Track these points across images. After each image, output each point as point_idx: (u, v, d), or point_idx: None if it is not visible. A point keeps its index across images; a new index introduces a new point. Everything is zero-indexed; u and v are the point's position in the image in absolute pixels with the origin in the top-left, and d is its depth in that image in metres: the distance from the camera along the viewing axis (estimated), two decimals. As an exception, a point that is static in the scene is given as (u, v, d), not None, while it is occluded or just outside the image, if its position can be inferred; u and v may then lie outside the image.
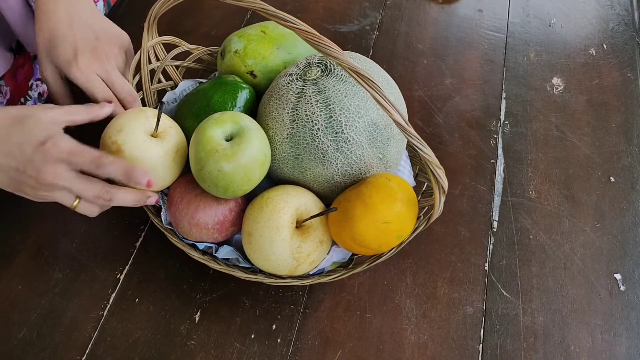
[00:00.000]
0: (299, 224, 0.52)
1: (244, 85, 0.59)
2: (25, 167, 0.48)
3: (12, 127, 0.48)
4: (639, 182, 0.72)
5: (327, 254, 0.55)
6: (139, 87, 0.65)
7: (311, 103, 0.52)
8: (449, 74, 0.82)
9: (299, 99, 0.53)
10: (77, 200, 0.51)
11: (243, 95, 0.58)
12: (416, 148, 0.44)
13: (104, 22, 0.60)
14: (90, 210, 0.52)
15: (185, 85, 0.67)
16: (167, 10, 0.67)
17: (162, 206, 0.59)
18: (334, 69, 0.54)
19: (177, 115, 0.59)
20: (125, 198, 0.52)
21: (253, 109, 0.59)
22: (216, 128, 0.51)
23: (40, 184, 0.49)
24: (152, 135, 0.53)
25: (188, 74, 0.72)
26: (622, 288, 0.63)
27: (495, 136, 0.75)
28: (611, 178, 0.72)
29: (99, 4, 0.83)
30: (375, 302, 0.61)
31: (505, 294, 0.62)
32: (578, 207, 0.69)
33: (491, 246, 0.66)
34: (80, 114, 0.52)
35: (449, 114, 0.77)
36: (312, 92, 0.53)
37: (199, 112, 0.57)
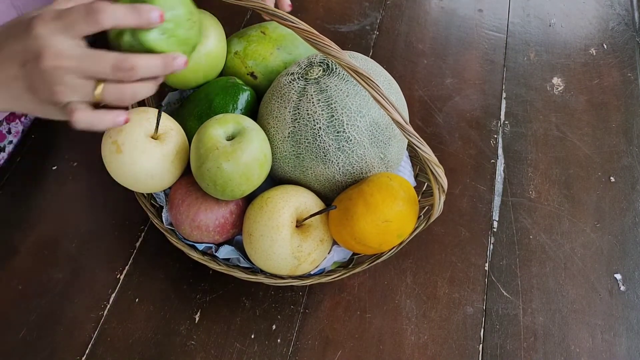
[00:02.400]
0: (300, 223, 0.52)
1: (245, 87, 0.59)
2: (27, 60, 0.40)
3: (3, 32, 0.42)
4: (639, 182, 0.72)
5: (328, 253, 0.55)
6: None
7: (313, 102, 0.52)
8: (449, 74, 0.82)
9: (300, 98, 0.53)
10: (100, 85, 0.41)
11: (244, 98, 0.58)
12: (415, 147, 0.44)
13: None
14: (118, 93, 0.41)
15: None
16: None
17: (164, 206, 0.59)
18: (336, 68, 0.54)
19: (179, 116, 0.59)
20: (150, 62, 0.41)
21: (254, 111, 0.59)
22: (218, 127, 0.51)
23: (46, 73, 0.40)
24: (152, 137, 0.53)
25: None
26: (622, 288, 0.63)
27: (496, 136, 0.75)
28: (611, 178, 0.72)
29: None
30: (375, 302, 0.61)
31: (505, 294, 0.62)
32: (578, 207, 0.69)
33: (491, 246, 0.65)
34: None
35: (449, 114, 0.77)
36: (314, 91, 0.53)
37: (200, 114, 0.57)
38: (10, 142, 0.70)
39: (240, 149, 0.50)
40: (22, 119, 0.71)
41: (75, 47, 0.40)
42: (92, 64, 0.40)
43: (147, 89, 0.43)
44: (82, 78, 0.41)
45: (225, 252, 0.56)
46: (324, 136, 0.52)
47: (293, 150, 0.53)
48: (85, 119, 0.42)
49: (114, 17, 0.39)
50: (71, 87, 0.40)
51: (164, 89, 0.68)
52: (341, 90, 0.52)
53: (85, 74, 0.40)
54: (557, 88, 0.82)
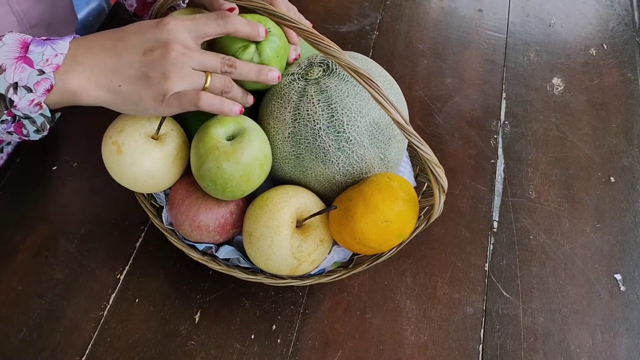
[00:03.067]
0: (300, 224, 0.52)
1: (245, 89, 0.59)
2: (153, 48, 0.46)
3: (123, 28, 0.49)
4: (639, 182, 0.72)
5: (328, 253, 0.55)
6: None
7: (313, 102, 0.52)
8: (449, 74, 0.82)
9: (300, 98, 0.53)
10: (209, 76, 0.48)
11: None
12: (415, 147, 0.44)
13: None
14: (222, 84, 0.49)
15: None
16: (167, 10, 0.67)
17: (164, 206, 0.59)
18: (336, 69, 0.54)
19: (179, 116, 0.59)
20: (248, 66, 0.50)
21: (254, 111, 0.59)
22: (218, 127, 0.51)
23: (172, 61, 0.46)
24: (152, 137, 0.53)
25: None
26: (622, 288, 0.63)
27: (496, 136, 0.75)
28: (611, 178, 0.72)
29: (94, 3, 0.83)
30: (375, 303, 0.61)
31: (505, 294, 0.62)
32: (578, 207, 0.69)
33: (491, 246, 0.66)
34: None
35: (449, 114, 0.77)
36: (314, 92, 0.53)
37: (201, 115, 0.57)
38: (9, 143, 0.70)
39: (241, 149, 0.50)
40: None
41: (196, 46, 0.48)
42: (208, 57, 0.48)
43: (239, 91, 0.51)
44: (196, 69, 0.47)
45: (225, 252, 0.56)
46: (324, 136, 0.52)
47: (293, 151, 0.53)
48: (210, 100, 0.48)
49: (236, 24, 0.49)
50: (186, 75, 0.47)
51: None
52: (341, 90, 0.52)
53: (201, 65, 0.48)
54: (557, 88, 0.82)
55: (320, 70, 0.54)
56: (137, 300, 0.59)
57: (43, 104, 0.46)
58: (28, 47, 0.46)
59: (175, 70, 0.46)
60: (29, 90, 0.45)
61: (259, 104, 0.59)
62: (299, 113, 0.53)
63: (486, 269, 0.64)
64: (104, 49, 0.47)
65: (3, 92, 0.45)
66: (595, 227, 0.68)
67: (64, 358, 0.56)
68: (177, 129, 0.55)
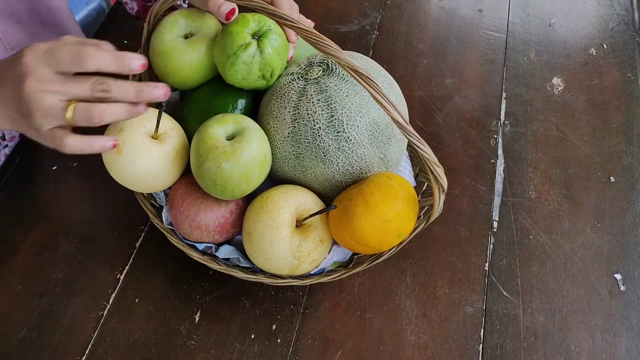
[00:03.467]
0: (299, 223, 0.52)
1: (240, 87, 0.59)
2: (14, 82, 0.44)
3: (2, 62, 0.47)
4: (639, 182, 0.72)
5: (328, 253, 0.55)
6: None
7: (312, 102, 0.52)
8: (449, 74, 0.82)
9: (300, 98, 0.53)
10: (73, 105, 0.44)
11: (244, 98, 0.58)
12: (415, 146, 0.44)
13: None
14: (89, 113, 0.44)
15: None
16: (167, 10, 0.67)
17: (164, 206, 0.59)
18: (336, 68, 0.54)
19: (179, 116, 0.59)
20: (124, 87, 0.45)
21: (254, 111, 0.59)
22: (218, 127, 0.51)
23: (28, 96, 0.43)
24: (152, 137, 0.53)
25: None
26: (622, 288, 0.63)
27: (495, 136, 0.75)
28: (611, 178, 0.72)
29: (94, 3, 0.83)
30: (375, 302, 0.61)
31: (505, 294, 0.62)
32: (578, 207, 0.69)
33: (491, 246, 0.65)
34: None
35: (449, 114, 0.77)
36: (314, 91, 0.53)
37: (200, 114, 0.57)
38: (6, 145, 0.70)
39: (240, 149, 0.50)
40: None
41: (57, 75, 0.44)
42: (73, 85, 0.44)
43: (119, 110, 0.46)
44: (62, 101, 0.44)
45: (225, 252, 0.56)
46: (324, 136, 0.52)
47: (293, 150, 0.53)
48: (74, 143, 0.46)
49: (99, 63, 0.44)
50: (48, 110, 0.44)
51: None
52: (341, 90, 0.52)
53: (66, 95, 0.44)
54: (557, 88, 0.82)
55: (320, 70, 0.54)
56: (137, 300, 0.59)
57: None
58: None
59: (36, 107, 0.44)
60: None
61: (259, 103, 0.59)
62: (298, 113, 0.53)
63: (486, 268, 0.64)
64: None
65: None
66: (595, 227, 0.68)
67: (64, 358, 0.56)
68: (177, 128, 0.55)
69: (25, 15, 0.64)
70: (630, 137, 0.76)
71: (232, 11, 0.52)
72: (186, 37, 0.58)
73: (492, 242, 0.66)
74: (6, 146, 0.70)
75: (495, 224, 0.67)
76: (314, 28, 0.45)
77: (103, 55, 0.44)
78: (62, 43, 0.45)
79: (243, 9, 0.50)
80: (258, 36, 0.55)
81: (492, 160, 0.73)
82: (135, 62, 0.45)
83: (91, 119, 0.45)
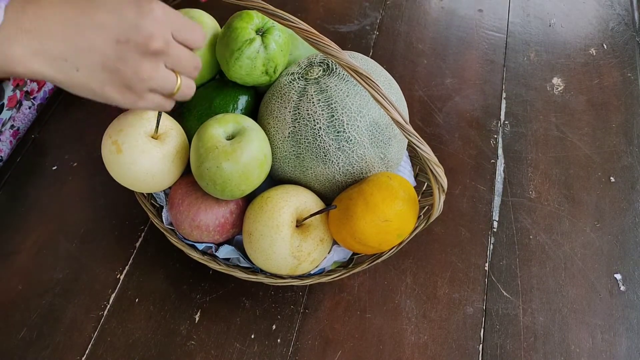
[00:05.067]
0: (299, 223, 0.52)
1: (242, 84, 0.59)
2: (130, 37, 0.39)
3: None
4: (639, 182, 0.72)
5: (328, 253, 0.55)
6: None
7: (313, 102, 0.52)
8: (449, 74, 0.82)
9: (300, 98, 0.53)
10: (179, 80, 0.43)
11: (244, 97, 0.58)
12: (415, 147, 0.44)
13: None
14: (189, 87, 0.45)
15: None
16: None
17: (164, 206, 0.59)
18: (336, 68, 0.54)
19: (179, 116, 0.59)
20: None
21: (254, 111, 0.59)
22: (218, 127, 0.51)
23: (150, 56, 0.40)
24: (152, 137, 0.53)
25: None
26: (622, 288, 0.63)
27: (495, 136, 0.75)
28: (611, 178, 0.72)
29: None
30: (375, 302, 0.61)
31: (505, 294, 0.62)
32: (578, 207, 0.69)
33: (491, 246, 0.65)
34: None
35: (449, 114, 0.77)
36: (314, 91, 0.53)
37: (200, 114, 0.57)
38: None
39: (240, 149, 0.50)
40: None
41: (174, 41, 0.42)
42: (185, 57, 0.43)
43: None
44: (169, 69, 0.42)
45: (225, 251, 0.56)
46: (324, 136, 0.52)
47: (293, 150, 0.53)
48: (163, 102, 0.44)
49: (197, 43, 0.44)
50: (160, 75, 0.42)
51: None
52: (341, 90, 0.52)
53: (176, 65, 0.43)
54: (557, 88, 0.82)
55: (320, 70, 0.54)
56: (137, 300, 0.59)
57: None
58: None
59: (150, 67, 0.41)
60: None
61: (259, 103, 0.59)
62: (299, 113, 0.53)
63: (486, 268, 0.64)
64: (61, 18, 0.38)
65: None
66: (595, 227, 0.68)
67: (64, 358, 0.56)
68: (177, 128, 0.55)
69: None
70: (630, 137, 0.76)
71: None
72: None
73: (492, 242, 0.66)
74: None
75: (495, 224, 0.67)
76: (313, 28, 0.45)
77: (201, 33, 0.44)
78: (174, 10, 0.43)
79: (245, 9, 0.50)
80: (262, 32, 0.55)
81: (492, 160, 0.73)
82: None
83: (186, 96, 0.45)
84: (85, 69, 0.40)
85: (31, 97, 0.72)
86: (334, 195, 0.55)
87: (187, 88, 0.45)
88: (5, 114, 0.67)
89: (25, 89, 0.70)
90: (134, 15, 0.39)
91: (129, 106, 0.43)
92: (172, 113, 0.61)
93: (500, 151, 0.74)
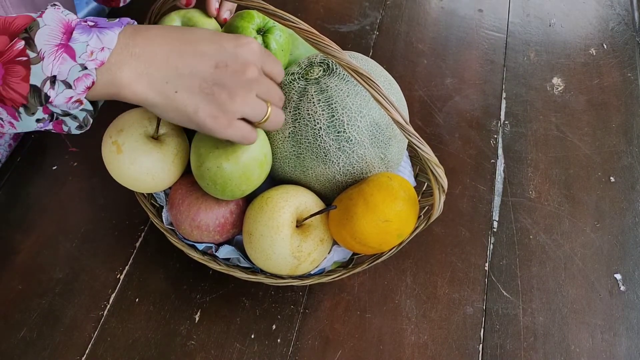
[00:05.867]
0: (300, 223, 0.52)
1: None
2: (228, 63, 0.43)
3: (188, 30, 0.45)
4: (639, 182, 0.72)
5: (328, 253, 0.55)
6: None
7: (313, 102, 0.52)
8: (449, 74, 0.82)
9: (301, 98, 0.53)
10: (269, 109, 0.46)
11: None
12: (415, 147, 0.44)
13: None
14: (280, 116, 0.48)
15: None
16: (167, 10, 0.67)
17: (164, 206, 0.59)
18: (336, 69, 0.54)
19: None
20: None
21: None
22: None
23: (246, 82, 0.43)
24: (152, 137, 0.53)
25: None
26: (622, 288, 0.63)
27: (496, 136, 0.75)
28: (611, 178, 0.72)
29: (94, 3, 0.83)
30: (375, 302, 0.61)
31: (505, 294, 0.62)
32: (578, 207, 0.69)
33: (491, 246, 0.65)
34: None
35: (449, 114, 0.77)
36: (314, 91, 0.53)
37: None
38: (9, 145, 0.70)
39: (240, 149, 0.50)
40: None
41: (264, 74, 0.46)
42: (274, 89, 0.47)
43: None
44: (260, 98, 0.45)
45: (225, 252, 0.56)
46: (325, 136, 0.52)
47: (293, 151, 0.53)
48: (250, 134, 0.46)
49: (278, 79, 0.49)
50: (252, 102, 0.44)
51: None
52: (341, 90, 0.52)
53: (266, 94, 0.46)
54: (557, 88, 0.82)
55: (320, 70, 0.54)
56: (137, 300, 0.59)
57: (84, 99, 0.41)
58: (72, 34, 0.40)
59: (244, 94, 0.43)
60: (68, 86, 0.40)
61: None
62: (299, 113, 0.53)
63: (486, 268, 0.64)
64: (166, 46, 0.42)
65: (39, 85, 0.39)
66: (595, 227, 0.68)
67: (64, 358, 0.56)
68: (177, 128, 0.55)
69: (41, 0, 0.64)
70: (630, 137, 0.76)
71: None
72: None
73: (492, 242, 0.66)
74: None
75: (495, 224, 0.67)
76: (313, 28, 0.45)
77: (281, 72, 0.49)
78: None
79: (244, 9, 0.50)
80: (263, 32, 0.55)
81: (492, 160, 0.73)
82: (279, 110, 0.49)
83: (277, 125, 0.48)
84: (183, 91, 0.42)
85: None
86: (334, 196, 0.55)
87: (276, 117, 0.47)
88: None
89: None
90: (233, 46, 0.43)
91: (218, 133, 0.44)
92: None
93: (500, 151, 0.74)
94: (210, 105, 0.43)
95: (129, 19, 0.43)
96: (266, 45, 0.55)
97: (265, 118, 0.46)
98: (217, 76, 0.43)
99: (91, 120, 0.44)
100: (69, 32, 0.40)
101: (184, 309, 0.59)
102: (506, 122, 0.77)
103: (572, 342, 0.59)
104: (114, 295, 0.60)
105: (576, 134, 0.76)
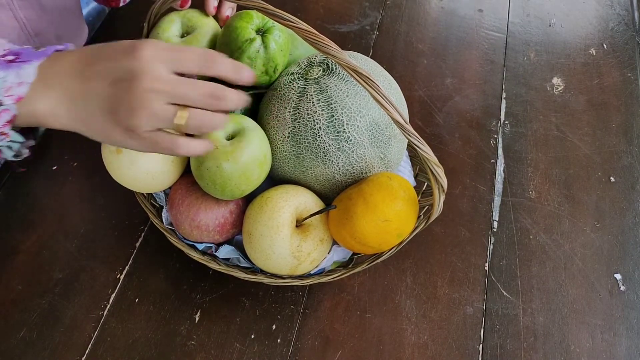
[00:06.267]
0: (299, 223, 0.52)
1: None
2: (120, 80, 0.40)
3: (96, 49, 0.43)
4: (639, 182, 0.72)
5: (328, 253, 0.55)
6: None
7: (313, 102, 0.52)
8: (449, 74, 0.82)
9: (300, 98, 0.53)
10: (186, 112, 0.41)
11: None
12: (415, 147, 0.44)
13: None
14: (202, 122, 0.42)
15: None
16: (167, 10, 0.67)
17: (164, 206, 0.59)
18: (336, 68, 0.54)
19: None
20: (234, 98, 0.43)
21: (254, 111, 0.59)
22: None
23: (140, 96, 0.40)
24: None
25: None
26: (622, 288, 0.63)
27: (496, 136, 0.75)
28: (611, 178, 0.72)
29: (95, 3, 0.83)
30: (375, 302, 0.60)
31: (505, 294, 0.62)
32: (578, 207, 0.69)
33: (491, 246, 0.65)
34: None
35: (449, 114, 0.77)
36: (314, 91, 0.53)
37: None
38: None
39: (240, 149, 0.50)
40: None
41: (172, 75, 0.41)
42: (187, 89, 0.41)
43: (222, 120, 0.44)
44: (170, 104, 0.41)
45: (225, 251, 0.56)
46: (324, 136, 0.52)
47: (293, 150, 0.53)
48: (191, 145, 0.43)
49: (221, 69, 0.42)
50: (155, 111, 0.41)
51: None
52: (341, 90, 0.52)
53: (177, 98, 0.41)
54: (557, 88, 0.82)
55: (320, 70, 0.54)
56: (137, 300, 0.59)
57: (9, 131, 0.42)
58: None
59: (142, 106, 0.40)
60: None
61: (259, 103, 0.59)
62: (298, 113, 0.53)
63: (486, 268, 0.64)
64: (72, 73, 0.42)
65: None
66: (595, 227, 0.68)
67: (64, 358, 0.56)
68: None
69: (49, 2, 0.64)
70: (630, 137, 0.76)
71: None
72: (182, 36, 0.58)
73: (492, 242, 0.66)
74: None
75: (495, 224, 0.67)
76: (313, 28, 0.45)
77: (227, 61, 0.42)
78: (183, 45, 0.43)
79: (244, 9, 0.50)
80: (262, 32, 0.55)
81: (492, 160, 0.73)
82: (248, 72, 0.43)
83: (201, 129, 0.42)
84: (93, 115, 0.42)
85: None
86: (334, 195, 0.55)
87: (198, 118, 0.42)
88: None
89: None
90: (124, 58, 0.41)
91: (141, 149, 0.43)
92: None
93: (500, 151, 0.74)
94: (117, 125, 0.41)
95: (57, 47, 0.43)
96: (265, 45, 0.54)
97: (181, 123, 0.41)
98: (113, 94, 0.41)
99: (27, 151, 0.44)
100: None
101: (184, 309, 0.59)
102: (506, 122, 0.77)
103: (572, 342, 0.59)
104: (114, 295, 0.60)
105: (576, 134, 0.76)
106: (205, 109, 0.42)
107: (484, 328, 0.60)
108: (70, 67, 0.42)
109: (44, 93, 0.41)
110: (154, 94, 0.40)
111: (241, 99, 0.43)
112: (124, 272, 0.61)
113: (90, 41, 0.81)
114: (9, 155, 0.45)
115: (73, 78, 0.42)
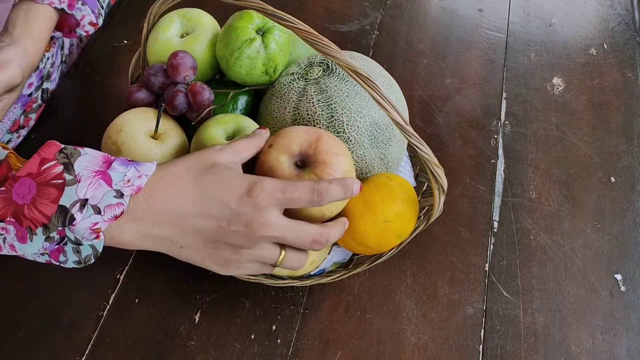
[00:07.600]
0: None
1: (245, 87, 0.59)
2: (231, 223, 0.41)
3: (203, 180, 0.42)
4: (639, 182, 0.72)
5: (328, 254, 0.55)
6: (138, 87, 0.64)
7: (313, 102, 0.52)
8: (449, 74, 0.82)
9: (300, 98, 0.53)
10: (283, 254, 0.44)
11: (244, 98, 0.58)
12: (415, 147, 0.44)
13: None
14: (299, 260, 0.46)
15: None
16: (166, 10, 0.67)
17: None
18: (336, 69, 0.54)
19: (179, 116, 0.59)
20: (337, 233, 0.46)
21: (254, 111, 0.59)
22: (218, 127, 0.51)
23: (249, 239, 0.42)
24: (152, 137, 0.53)
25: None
26: (622, 288, 0.63)
27: (496, 136, 0.75)
28: (612, 178, 0.72)
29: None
30: (376, 303, 0.60)
31: (505, 294, 0.62)
32: (578, 207, 0.69)
33: (491, 246, 0.65)
34: (249, 148, 0.47)
35: (449, 114, 0.77)
36: (314, 92, 0.53)
37: None
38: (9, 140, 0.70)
39: (240, 149, 0.50)
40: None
41: (280, 216, 0.43)
42: (295, 235, 0.43)
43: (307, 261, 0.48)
44: (275, 245, 0.44)
45: (225, 252, 0.56)
46: (324, 136, 0.52)
47: (293, 151, 0.53)
48: (295, 258, 0.46)
49: (332, 196, 0.43)
50: (261, 254, 0.44)
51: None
52: (341, 90, 0.52)
53: (280, 240, 0.44)
54: (557, 88, 0.81)
55: (320, 70, 0.54)
56: (137, 300, 0.59)
57: (102, 234, 0.41)
58: (111, 164, 0.41)
59: (250, 247, 0.43)
60: (97, 211, 0.40)
61: (259, 103, 0.59)
62: (298, 113, 0.53)
63: (486, 269, 0.64)
64: (170, 208, 0.42)
65: (67, 206, 0.39)
66: (595, 227, 0.68)
67: (63, 358, 0.56)
68: (177, 128, 0.55)
69: None
70: (630, 137, 0.76)
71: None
72: (182, 36, 0.58)
73: (492, 242, 0.66)
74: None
75: (495, 224, 0.67)
76: (313, 28, 0.45)
77: (335, 188, 0.43)
78: (293, 183, 0.43)
79: (244, 9, 0.50)
80: (262, 32, 0.55)
81: (492, 160, 0.73)
82: (356, 185, 0.45)
83: (294, 267, 0.46)
84: (188, 247, 0.44)
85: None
86: (334, 196, 0.54)
87: (292, 261, 0.45)
88: (5, 137, 0.68)
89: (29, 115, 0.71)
90: (237, 204, 0.41)
91: (230, 274, 0.46)
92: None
93: (500, 151, 0.74)
94: (216, 257, 0.44)
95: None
96: (265, 45, 0.54)
97: (279, 262, 0.45)
98: (220, 235, 0.42)
99: (92, 261, 0.44)
100: (108, 162, 0.41)
101: (184, 310, 0.59)
102: (506, 122, 0.77)
103: (573, 342, 0.59)
104: (114, 295, 0.60)
105: (576, 134, 0.76)
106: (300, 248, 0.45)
107: (484, 328, 0.60)
108: (167, 203, 0.42)
109: (128, 225, 0.42)
110: (264, 239, 0.42)
111: (337, 237, 0.47)
112: (124, 272, 0.61)
113: (91, 41, 0.81)
114: (71, 259, 0.43)
115: (171, 214, 0.42)
